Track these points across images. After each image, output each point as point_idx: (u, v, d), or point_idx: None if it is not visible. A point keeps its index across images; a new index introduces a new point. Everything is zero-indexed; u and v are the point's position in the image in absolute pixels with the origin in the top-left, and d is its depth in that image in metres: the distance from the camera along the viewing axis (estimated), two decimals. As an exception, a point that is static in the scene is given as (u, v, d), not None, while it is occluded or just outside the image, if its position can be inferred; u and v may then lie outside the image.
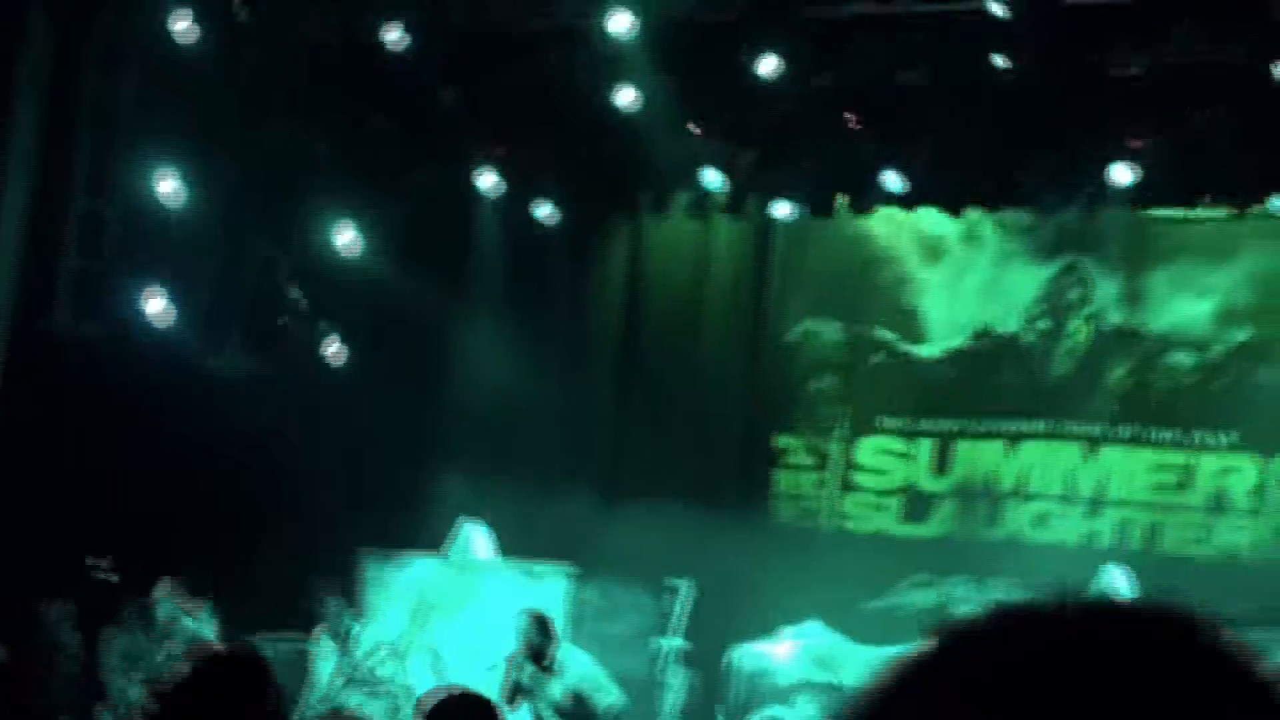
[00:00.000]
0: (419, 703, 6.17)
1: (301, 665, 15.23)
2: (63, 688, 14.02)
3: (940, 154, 15.97)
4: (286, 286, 16.67)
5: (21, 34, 12.25)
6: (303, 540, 16.38)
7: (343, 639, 15.12)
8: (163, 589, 14.98)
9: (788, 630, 15.91)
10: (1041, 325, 17.34)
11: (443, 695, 6.19)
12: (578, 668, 14.24)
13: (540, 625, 14.18)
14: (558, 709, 13.88)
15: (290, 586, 15.69)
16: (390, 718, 14.59)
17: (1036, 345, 17.37)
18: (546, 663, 13.99)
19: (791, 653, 15.71)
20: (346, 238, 16.88)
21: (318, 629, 15.34)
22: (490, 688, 14.10)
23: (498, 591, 16.22)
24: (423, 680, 15.13)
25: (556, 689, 13.94)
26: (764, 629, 16.09)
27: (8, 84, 12.15)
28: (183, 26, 14.74)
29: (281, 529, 16.44)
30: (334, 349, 17.31)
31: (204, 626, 14.97)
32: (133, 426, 15.90)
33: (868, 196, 16.91)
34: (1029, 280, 17.42)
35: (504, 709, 13.92)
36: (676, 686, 15.44)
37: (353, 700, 14.60)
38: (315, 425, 16.79)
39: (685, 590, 15.56)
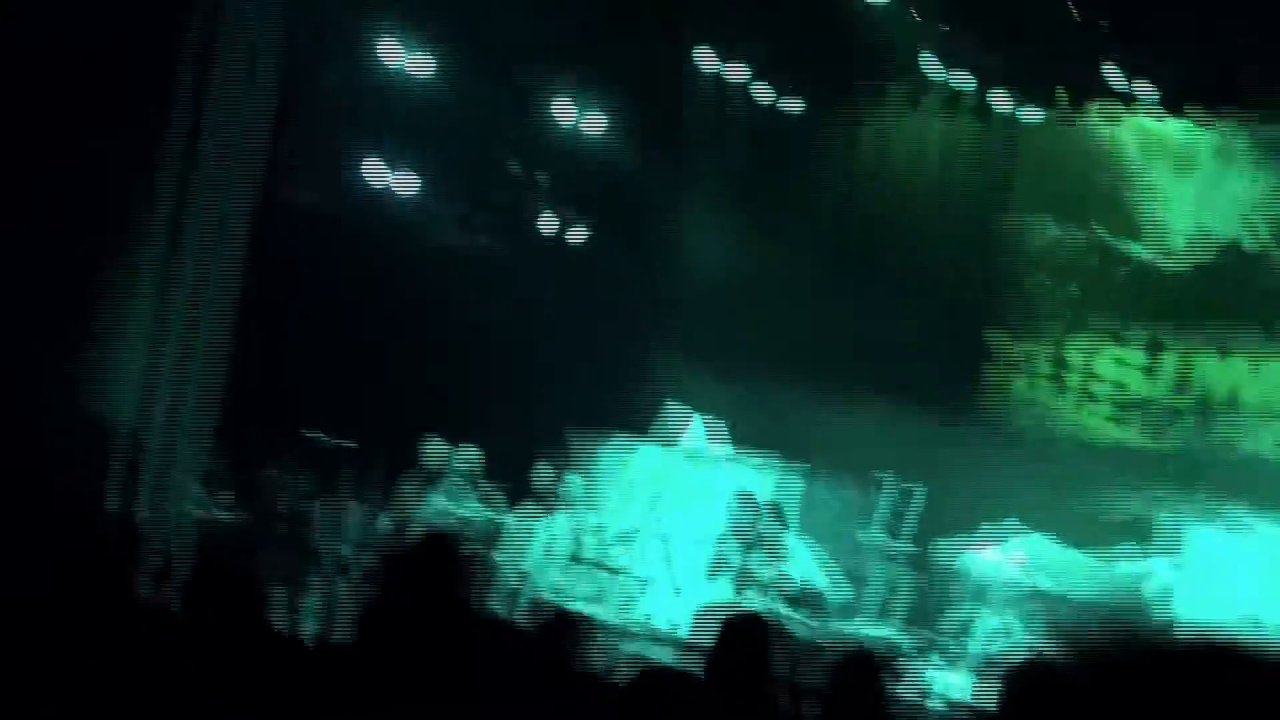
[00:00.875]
0: (703, 612, 6.22)
1: (522, 537, 15.35)
2: (278, 550, 14.23)
3: (1173, 53, 15.63)
4: (524, 165, 16.73)
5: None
6: (528, 416, 16.47)
7: (551, 511, 15.19)
8: (434, 443, 15.18)
9: (988, 528, 15.78)
10: (1264, 233, 16.96)
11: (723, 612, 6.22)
12: (788, 555, 14.29)
13: (748, 504, 14.27)
14: (764, 589, 13.93)
15: (520, 462, 15.84)
16: (621, 605, 14.65)
17: (1257, 253, 17.01)
18: (755, 541, 14.06)
19: (1019, 560, 15.54)
20: (577, 117, 16.93)
21: (528, 502, 15.45)
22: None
23: (710, 476, 16.25)
24: (654, 568, 15.21)
25: (763, 569, 14.00)
26: (966, 526, 15.98)
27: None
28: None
29: (509, 405, 16.54)
30: (571, 229, 17.41)
31: (471, 488, 15.20)
32: (364, 298, 16.07)
33: (1092, 91, 16.64)
34: (1254, 187, 17.08)
35: (710, 582, 14.02)
36: (880, 580, 15.41)
37: (581, 586, 14.66)
38: (546, 303, 16.90)
39: (892, 484, 15.51)
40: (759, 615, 6.56)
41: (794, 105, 17.86)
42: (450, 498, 14.92)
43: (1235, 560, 15.05)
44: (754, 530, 14.33)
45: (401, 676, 5.85)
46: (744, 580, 14.05)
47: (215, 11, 11.31)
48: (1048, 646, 14.77)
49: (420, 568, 6.30)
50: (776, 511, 14.54)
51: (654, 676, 6.31)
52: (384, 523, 15.03)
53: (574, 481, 15.38)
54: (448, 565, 6.29)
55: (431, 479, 15.25)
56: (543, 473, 15.64)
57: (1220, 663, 3.05)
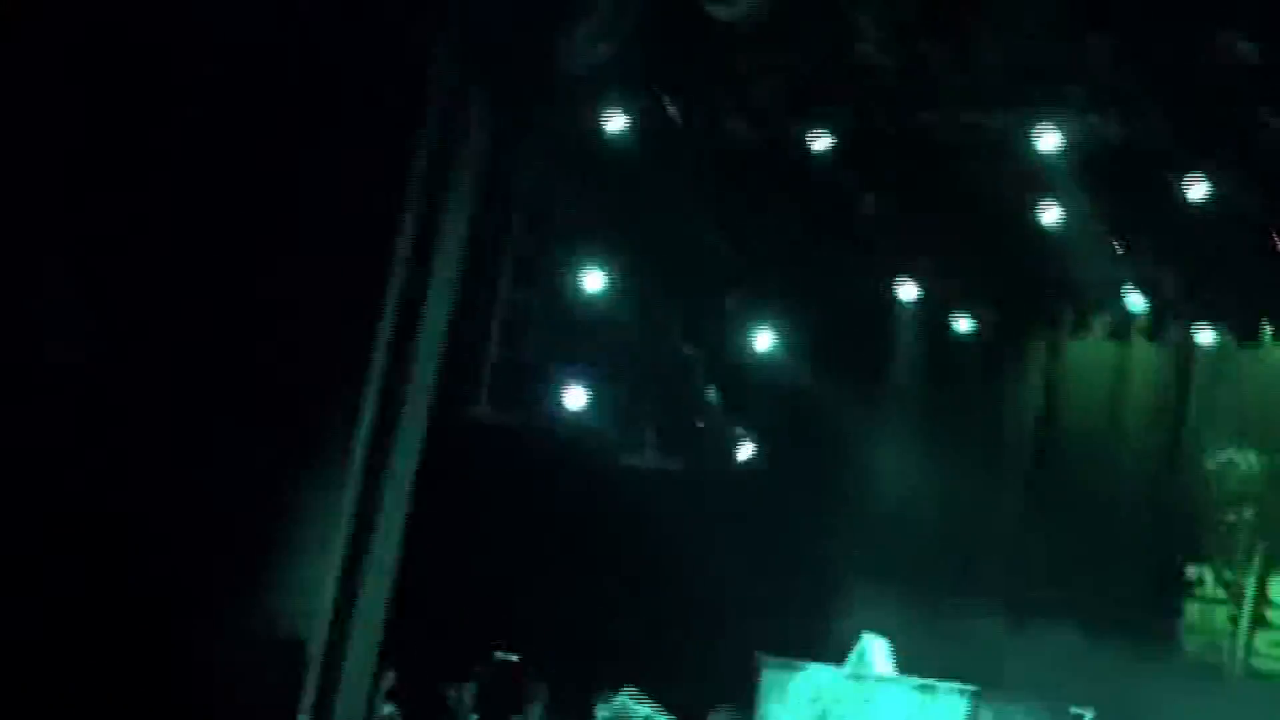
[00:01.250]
0: None
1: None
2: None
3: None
4: (703, 385, 16.75)
5: (464, 123, 12.47)
6: (706, 643, 16.34)
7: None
8: (629, 692, 15.10)
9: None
10: None
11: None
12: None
13: None
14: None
15: (689, 692, 15.67)
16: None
17: None
18: None
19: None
20: (764, 340, 16.97)
21: None
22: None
23: (895, 706, 15.95)
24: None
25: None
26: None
27: (446, 171, 12.38)
28: (616, 123, 14.93)
29: (687, 630, 16.43)
30: (748, 451, 17.37)
31: None
32: (546, 517, 16.10)
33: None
34: None
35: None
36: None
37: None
38: (726, 526, 16.81)
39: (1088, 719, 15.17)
40: None
41: (989, 331, 17.81)
42: None
43: None
44: None
45: None
46: None
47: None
48: None
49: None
50: None
51: None
52: None
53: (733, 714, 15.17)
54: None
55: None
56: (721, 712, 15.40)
57: None
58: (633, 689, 15.06)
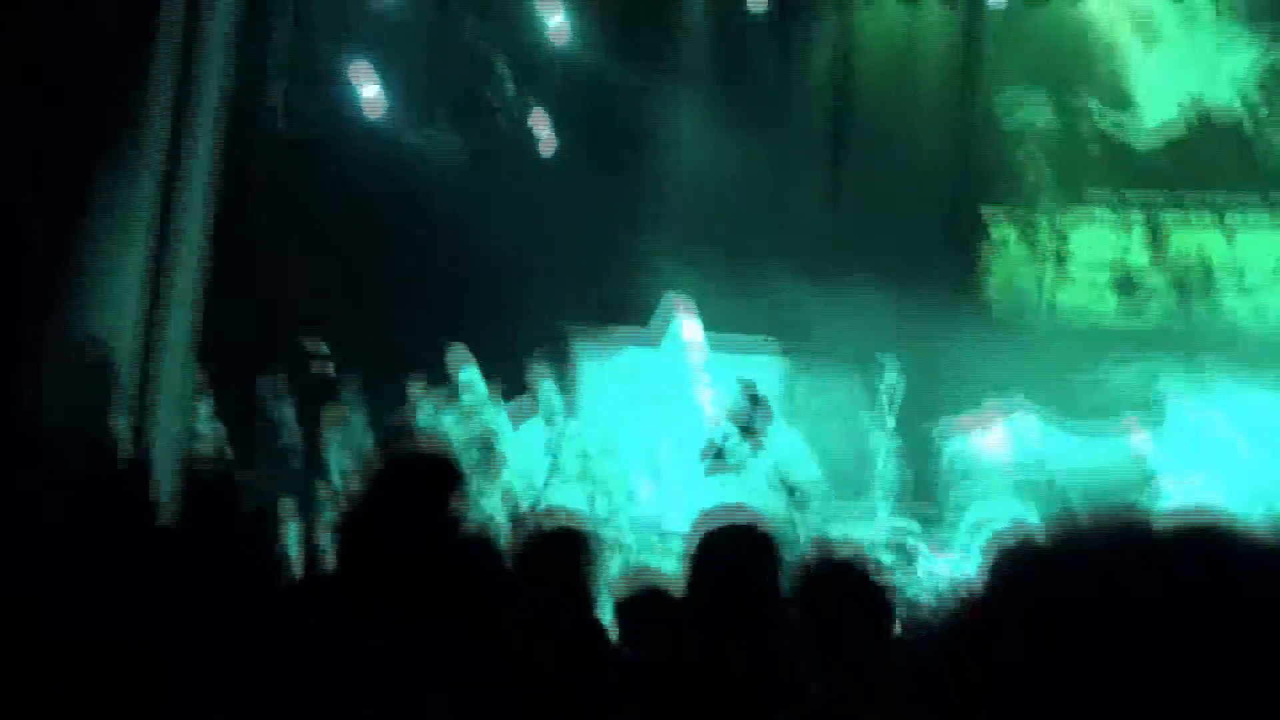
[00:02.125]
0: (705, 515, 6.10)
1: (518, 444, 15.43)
2: (281, 463, 14.29)
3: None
4: (496, 67, 16.69)
5: None
6: (517, 317, 16.50)
7: (552, 423, 15.19)
8: (459, 356, 15.21)
9: (1001, 415, 15.88)
10: (1255, 100, 16.99)
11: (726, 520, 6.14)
12: (783, 443, 14.24)
13: (751, 397, 14.15)
14: (765, 482, 13.91)
15: (511, 362, 15.85)
16: (604, 511, 14.72)
17: (1249, 120, 17.03)
18: (756, 435, 13.98)
19: (1005, 439, 15.69)
20: (556, 21, 16.92)
21: (522, 404, 15.46)
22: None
23: (710, 371, 16.31)
24: (638, 467, 15.28)
25: (760, 461, 13.96)
26: (971, 405, 16.07)
27: None
28: None
29: (497, 307, 16.57)
30: (544, 129, 17.38)
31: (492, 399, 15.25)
32: (349, 214, 16.10)
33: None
34: (1243, 54, 17.05)
35: (705, 471, 14.04)
36: (886, 468, 15.50)
37: (562, 493, 14.71)
38: (529, 209, 16.89)
39: (893, 368, 15.57)
40: (756, 527, 6.46)
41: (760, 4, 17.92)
42: (449, 406, 14.97)
43: (1221, 429, 15.21)
44: (753, 423, 14.18)
45: (383, 597, 5.85)
46: (718, 457, 13.94)
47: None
48: (1037, 523, 14.97)
49: (399, 482, 6.25)
50: (755, 395, 14.34)
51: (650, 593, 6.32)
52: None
53: (547, 388, 15.34)
54: (426, 479, 6.25)
55: (448, 392, 15.28)
56: (536, 373, 15.57)
57: (1202, 543, 3.13)
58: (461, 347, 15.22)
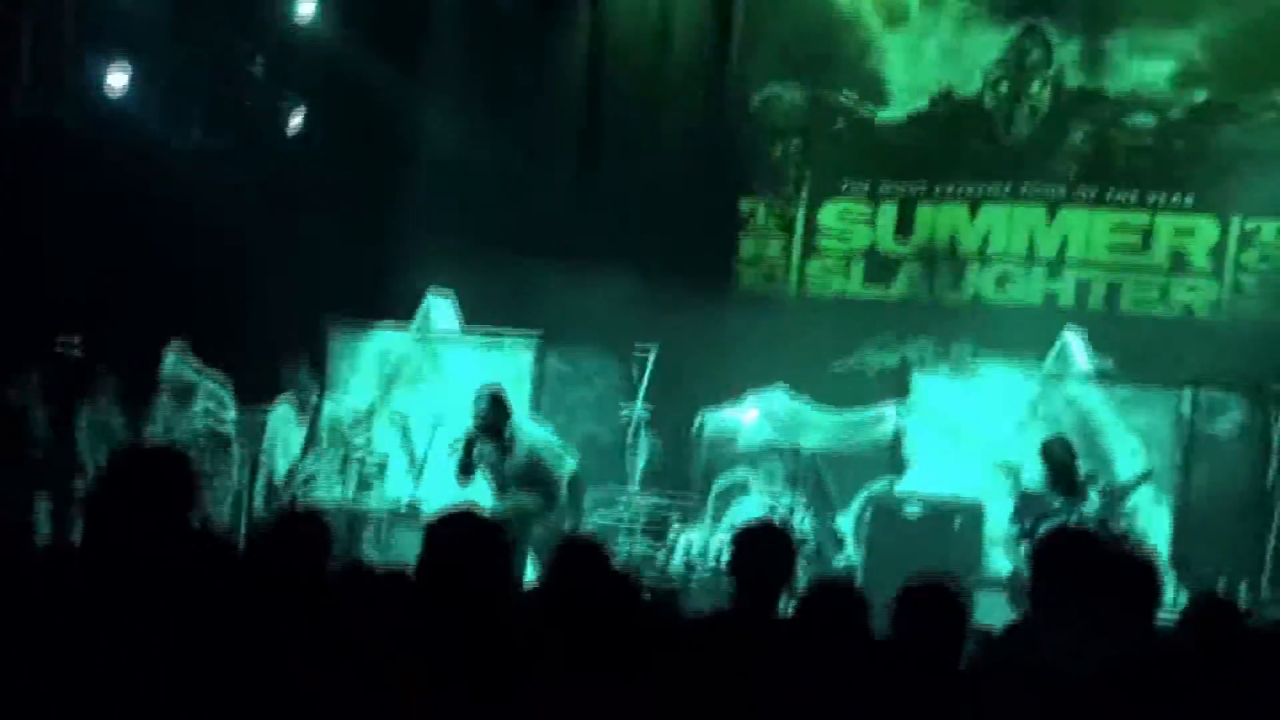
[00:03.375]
0: (425, 523, 6.14)
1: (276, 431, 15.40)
2: (35, 461, 14.16)
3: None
4: (247, 61, 16.58)
5: None
6: (274, 312, 16.44)
7: (308, 407, 15.19)
8: (174, 349, 15.13)
9: (753, 395, 16.12)
10: (1002, 88, 17.36)
11: (451, 512, 6.20)
12: (534, 438, 14.23)
13: (495, 401, 14.10)
14: (516, 480, 13.89)
15: (265, 358, 15.79)
16: (358, 488, 14.74)
17: (997, 107, 17.40)
18: (506, 436, 13.94)
19: (756, 417, 15.93)
20: (306, 10, 16.84)
21: (281, 397, 15.42)
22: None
23: (463, 361, 16.36)
24: (391, 448, 15.31)
25: (513, 461, 13.95)
26: (730, 394, 16.28)
27: None
28: None
29: (255, 302, 16.50)
30: (295, 122, 17.27)
31: (222, 389, 15.19)
32: (100, 206, 15.91)
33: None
34: (990, 42, 17.41)
35: (458, 484, 14.05)
36: (643, 452, 15.64)
37: (319, 470, 14.73)
38: (280, 199, 16.81)
39: (652, 356, 15.71)
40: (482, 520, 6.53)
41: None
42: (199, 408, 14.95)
43: (985, 410, 15.56)
44: (503, 427, 14.03)
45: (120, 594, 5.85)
46: (496, 474, 13.91)
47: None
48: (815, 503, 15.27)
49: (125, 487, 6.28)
50: (499, 399, 14.27)
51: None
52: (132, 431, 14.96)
53: (305, 371, 15.35)
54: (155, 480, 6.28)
55: (176, 393, 15.24)
56: (295, 369, 15.55)
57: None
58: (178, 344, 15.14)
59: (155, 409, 15.23)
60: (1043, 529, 12.84)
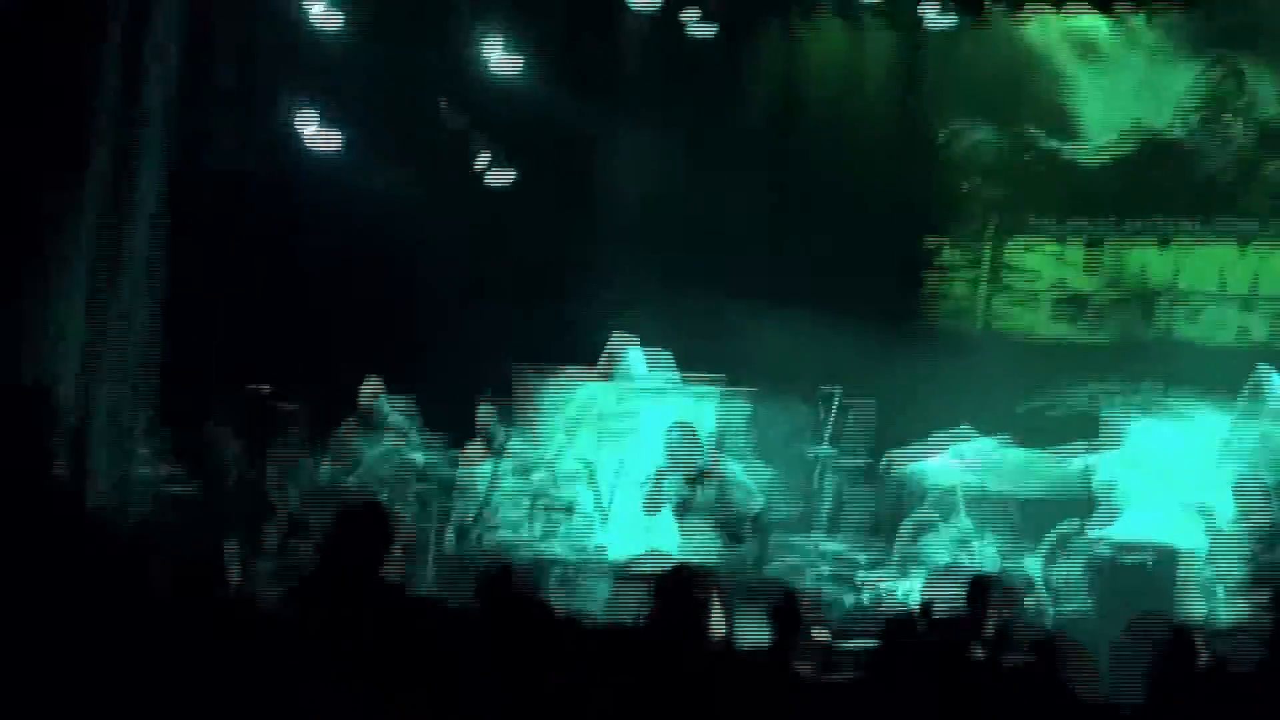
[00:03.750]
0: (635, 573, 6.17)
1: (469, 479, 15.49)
2: (229, 505, 14.31)
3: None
4: (444, 105, 16.71)
5: None
6: (466, 357, 16.52)
7: (496, 451, 15.20)
8: (371, 385, 15.25)
9: (940, 435, 15.95)
10: (1195, 122, 17.11)
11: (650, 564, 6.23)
12: (725, 475, 14.20)
13: (688, 435, 14.13)
14: (706, 516, 13.88)
15: (457, 403, 15.88)
16: (543, 534, 14.73)
17: (1190, 142, 17.17)
18: (694, 473, 13.95)
19: (945, 458, 15.76)
20: (500, 56, 16.96)
21: (471, 443, 15.48)
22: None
23: (653, 406, 16.31)
24: (576, 493, 15.30)
25: (703, 496, 13.94)
26: (917, 434, 16.13)
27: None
28: None
29: (446, 347, 16.59)
30: (493, 167, 17.39)
31: (414, 431, 15.28)
32: (295, 252, 16.12)
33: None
34: (1182, 76, 17.19)
35: (645, 513, 14.04)
36: (832, 494, 15.53)
37: (508, 513, 14.76)
38: (478, 243, 16.92)
39: (839, 397, 15.61)
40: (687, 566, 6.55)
41: (708, 29, 17.91)
42: (389, 443, 15.03)
43: (1177, 449, 15.28)
44: (694, 462, 14.07)
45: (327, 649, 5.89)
46: (684, 509, 13.94)
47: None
48: (1004, 545, 15.09)
49: (341, 538, 6.34)
50: (691, 433, 14.31)
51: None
52: (325, 471, 15.08)
53: (491, 419, 15.38)
54: (367, 535, 6.34)
55: (367, 422, 15.33)
56: (484, 414, 15.59)
57: None
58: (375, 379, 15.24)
59: (344, 439, 15.33)
60: (1240, 570, 12.64)
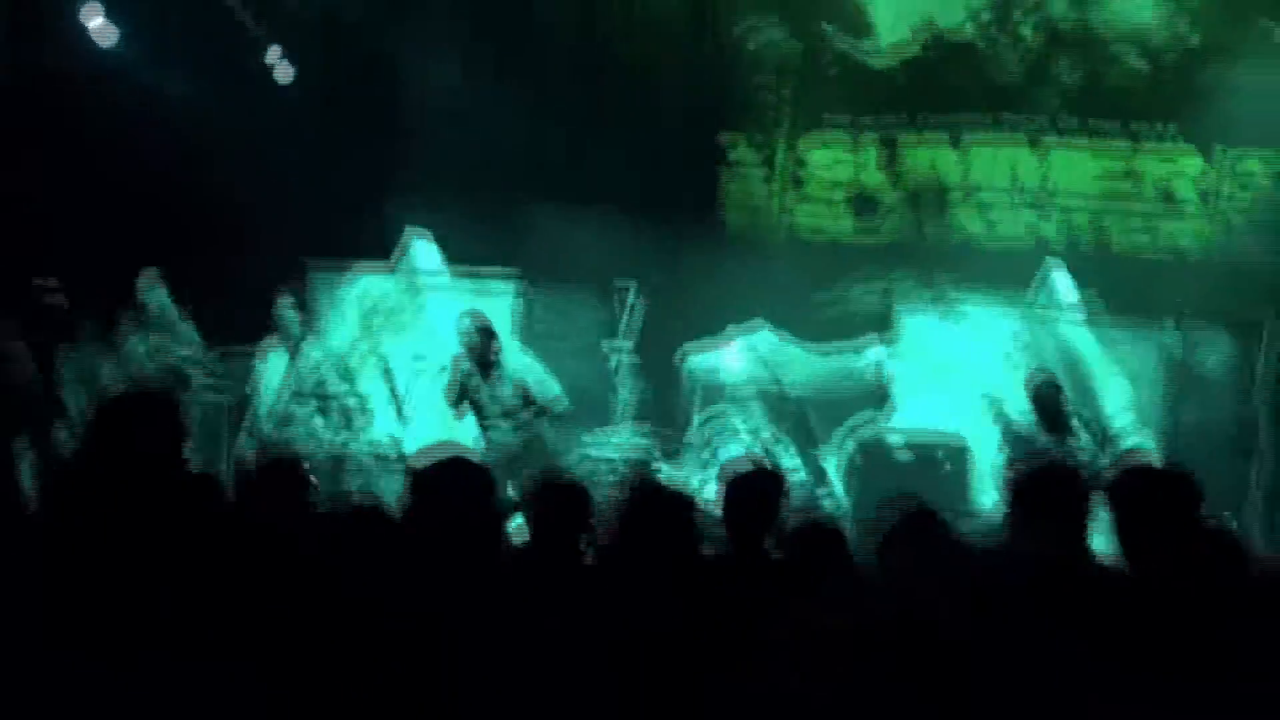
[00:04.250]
0: (408, 465, 6.09)
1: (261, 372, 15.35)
2: (15, 403, 14.04)
3: None
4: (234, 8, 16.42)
5: None
6: (259, 253, 16.32)
7: (292, 349, 15.04)
8: (147, 279, 14.93)
9: (735, 332, 16.04)
10: (986, 20, 17.24)
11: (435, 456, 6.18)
12: (520, 365, 14.22)
13: (481, 327, 14.11)
14: (502, 407, 13.92)
15: (250, 299, 15.67)
16: (338, 431, 14.66)
17: (981, 41, 17.29)
18: (490, 361, 13.95)
19: (739, 355, 15.86)
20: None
21: (267, 339, 15.29)
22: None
23: (445, 301, 16.26)
24: (374, 390, 15.22)
25: (499, 387, 13.96)
26: (712, 331, 16.20)
27: None
28: None
29: (238, 243, 16.36)
30: (280, 64, 17.12)
31: (189, 329, 14.99)
32: (80, 147, 15.78)
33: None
34: (975, -25, 17.29)
35: (451, 410, 14.05)
36: (626, 390, 15.58)
37: (301, 412, 14.65)
38: (269, 143, 16.68)
39: (634, 293, 15.64)
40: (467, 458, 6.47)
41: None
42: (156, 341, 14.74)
43: (967, 344, 15.49)
44: (489, 352, 14.09)
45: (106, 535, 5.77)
46: (461, 394, 13.91)
47: None
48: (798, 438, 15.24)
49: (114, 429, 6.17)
50: (485, 325, 14.23)
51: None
52: (105, 370, 14.75)
53: (287, 313, 15.18)
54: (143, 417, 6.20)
55: (141, 319, 15.01)
56: (282, 307, 15.37)
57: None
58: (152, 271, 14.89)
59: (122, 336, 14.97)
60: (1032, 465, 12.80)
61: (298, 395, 14.72)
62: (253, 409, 14.91)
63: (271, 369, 15.00)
